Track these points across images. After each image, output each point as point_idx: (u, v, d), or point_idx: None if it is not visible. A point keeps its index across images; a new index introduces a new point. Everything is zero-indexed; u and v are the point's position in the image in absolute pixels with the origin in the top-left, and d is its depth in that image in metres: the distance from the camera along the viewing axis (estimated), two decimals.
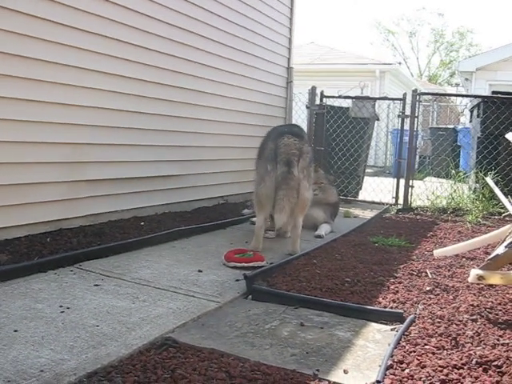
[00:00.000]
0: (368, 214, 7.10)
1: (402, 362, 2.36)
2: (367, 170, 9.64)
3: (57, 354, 2.33)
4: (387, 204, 7.85)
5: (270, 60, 7.98)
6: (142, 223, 5.13)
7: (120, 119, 5.12)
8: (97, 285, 3.35)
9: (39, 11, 4.15)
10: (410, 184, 7.71)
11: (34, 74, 4.19)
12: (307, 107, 8.44)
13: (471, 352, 2.44)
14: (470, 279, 3.21)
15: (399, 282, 3.64)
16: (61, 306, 2.92)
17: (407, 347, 2.53)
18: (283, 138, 4.50)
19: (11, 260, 3.64)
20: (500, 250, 3.13)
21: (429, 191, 7.76)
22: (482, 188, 7.12)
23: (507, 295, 3.41)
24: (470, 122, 9.33)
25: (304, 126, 8.65)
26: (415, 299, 3.28)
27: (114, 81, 4.98)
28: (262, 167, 4.57)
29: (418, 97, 7.70)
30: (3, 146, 4.01)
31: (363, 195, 8.67)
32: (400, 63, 25.18)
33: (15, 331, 2.55)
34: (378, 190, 8.40)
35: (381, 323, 2.92)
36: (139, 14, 5.18)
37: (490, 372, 2.27)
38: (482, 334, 2.69)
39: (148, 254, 4.23)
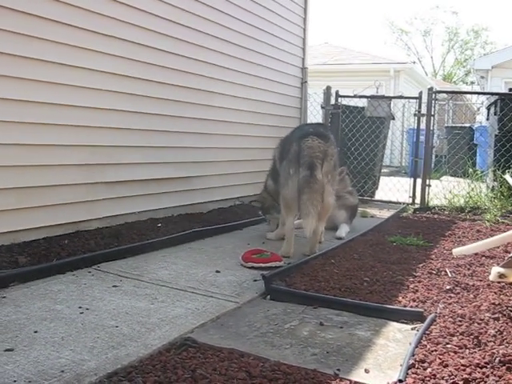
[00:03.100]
0: (385, 214, 7.06)
1: (423, 361, 2.33)
2: (383, 170, 9.59)
3: (77, 354, 2.33)
4: (404, 203, 7.80)
5: (285, 60, 7.97)
6: (159, 225, 5.14)
7: (138, 121, 5.14)
8: (115, 286, 3.36)
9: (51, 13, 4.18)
10: (427, 183, 7.66)
11: (54, 78, 4.22)
12: (322, 107, 8.41)
13: (494, 351, 2.41)
14: (490, 277, 3.19)
15: (419, 281, 3.60)
16: (80, 307, 2.93)
17: (428, 346, 2.50)
18: (307, 140, 4.38)
19: (30, 262, 3.66)
20: None
21: (446, 190, 7.70)
22: (500, 186, 7.05)
23: None
24: (487, 119, 9.24)
25: None
26: (435, 298, 3.24)
27: (131, 84, 5.00)
28: (285, 169, 4.49)
29: (433, 95, 7.64)
30: (22, 149, 4.04)
31: (380, 195, 8.62)
32: (414, 62, 25.07)
33: (35, 332, 2.56)
34: (394, 189, 8.35)
35: (401, 322, 2.89)
36: (153, 16, 5.20)
37: None
38: (505, 333, 2.65)
39: (165, 255, 4.23)
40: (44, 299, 3.05)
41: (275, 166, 5.03)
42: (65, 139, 4.38)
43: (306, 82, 8.62)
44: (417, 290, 3.39)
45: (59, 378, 2.10)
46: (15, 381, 2.07)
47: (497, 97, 7.97)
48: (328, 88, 8.31)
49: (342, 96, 8.41)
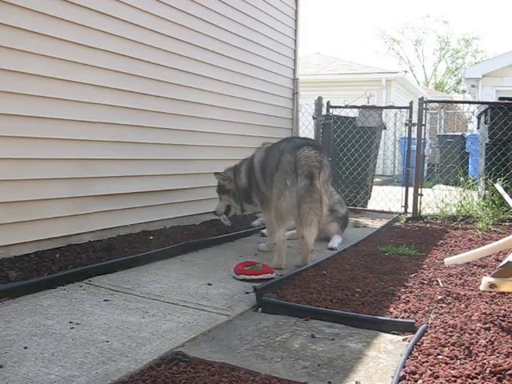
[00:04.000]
0: (377, 224, 7.07)
1: (414, 373, 2.33)
2: (376, 180, 9.62)
3: (67, 370, 2.32)
4: (396, 213, 7.80)
5: (276, 71, 8.00)
6: (151, 237, 5.13)
7: (128, 134, 5.14)
8: (106, 300, 3.35)
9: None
10: (419, 192, 7.67)
11: (41, 91, 4.22)
12: (314, 118, 8.45)
13: (485, 361, 2.41)
14: (481, 287, 3.18)
15: (410, 292, 3.61)
16: (70, 322, 2.92)
17: (420, 357, 2.50)
18: (303, 150, 4.39)
19: (21, 276, 3.64)
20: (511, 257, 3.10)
21: (438, 199, 7.72)
22: (492, 194, 7.07)
23: None
24: (478, 128, 9.30)
25: (311, 137, 8.66)
26: (427, 308, 3.25)
27: (120, 95, 5.00)
28: (280, 181, 4.42)
29: (424, 105, 7.69)
30: (11, 164, 4.03)
31: (372, 205, 8.64)
32: (406, 71, 25.24)
33: (25, 348, 2.55)
34: (386, 199, 8.37)
35: (392, 333, 2.90)
36: (147, 30, 5.22)
37: (504, 381, 2.23)
38: (496, 343, 2.65)
39: (157, 268, 4.22)
40: (34, 314, 3.03)
41: (255, 177, 5.04)
42: (53, 153, 4.37)
43: (297, 92, 8.65)
44: (408, 301, 3.39)
45: None
46: None
47: (487, 106, 8.02)
48: (319, 98, 8.34)
49: (333, 106, 8.45)
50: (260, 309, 3.30)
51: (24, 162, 4.14)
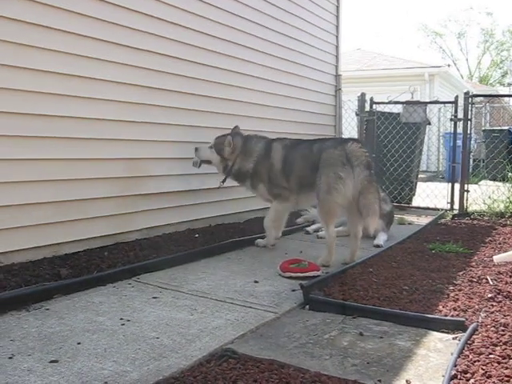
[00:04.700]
0: (423, 221, 6.98)
1: (466, 372, 2.30)
2: (420, 176, 9.48)
3: (119, 365, 2.38)
4: (442, 209, 7.69)
5: (318, 68, 7.97)
6: (197, 235, 5.18)
7: (174, 133, 5.21)
8: (155, 297, 3.40)
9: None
10: (466, 188, 7.55)
11: (89, 93, 4.31)
12: (357, 114, 8.38)
13: None
14: None
15: (459, 290, 3.55)
16: (121, 319, 2.98)
17: (471, 356, 2.47)
18: (352, 143, 4.39)
19: (71, 274, 3.73)
20: None
21: (485, 195, 7.57)
22: None
23: None
24: None
25: (354, 134, 8.61)
26: (477, 307, 3.19)
27: (168, 96, 5.07)
28: (330, 175, 4.29)
29: (470, 99, 7.55)
30: (61, 164, 4.13)
31: (417, 201, 8.53)
32: (449, 65, 24.77)
33: (78, 344, 2.62)
34: (432, 195, 8.25)
35: (442, 332, 2.86)
36: (188, 30, 5.27)
37: None
38: None
39: (204, 266, 4.27)
40: (86, 311, 3.10)
41: (273, 173, 4.89)
42: (101, 153, 4.47)
43: (340, 89, 8.60)
44: (457, 299, 3.34)
45: None
46: None
47: None
48: (362, 95, 8.28)
49: (377, 102, 8.38)
50: (307, 306, 3.30)
51: (73, 162, 4.23)
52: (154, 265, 4.10)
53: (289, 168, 4.79)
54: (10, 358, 2.43)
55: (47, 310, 3.11)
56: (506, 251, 4.57)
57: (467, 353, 2.52)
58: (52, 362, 2.40)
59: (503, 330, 2.76)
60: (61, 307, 3.16)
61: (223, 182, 5.13)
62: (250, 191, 5.18)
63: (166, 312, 3.12)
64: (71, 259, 4.06)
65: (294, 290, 3.61)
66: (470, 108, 7.52)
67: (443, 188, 8.07)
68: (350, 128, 9.68)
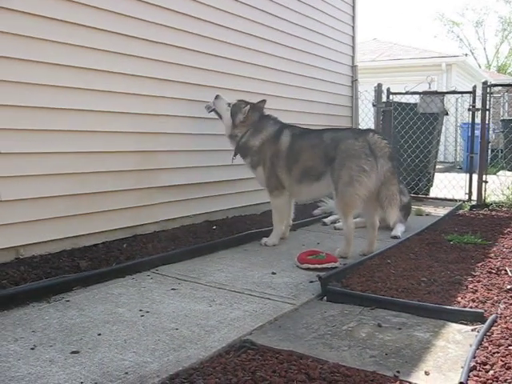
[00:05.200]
0: (440, 212, 6.94)
1: (485, 364, 2.30)
2: (437, 166, 9.42)
3: (140, 356, 2.40)
4: (460, 200, 7.64)
5: (334, 59, 7.93)
6: (214, 227, 5.20)
7: (190, 125, 5.22)
8: (174, 289, 3.43)
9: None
10: (484, 179, 7.48)
11: (108, 87, 4.33)
12: (374, 105, 8.33)
13: None
14: None
15: (478, 281, 3.54)
16: (140, 310, 3.01)
17: (490, 348, 2.47)
18: (373, 135, 4.37)
19: (91, 266, 3.77)
20: None
21: (503, 186, 7.51)
22: None
23: None
24: None
25: (371, 124, 8.56)
26: (496, 298, 3.18)
27: (182, 88, 5.08)
28: (352, 167, 4.24)
29: (488, 89, 7.47)
30: (78, 157, 4.16)
31: (434, 192, 8.48)
32: (466, 55, 24.46)
33: (99, 335, 2.65)
34: (449, 186, 8.20)
35: (460, 323, 2.85)
36: (206, 22, 5.27)
37: None
38: None
39: (221, 258, 4.29)
40: (106, 303, 3.14)
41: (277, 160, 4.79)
42: (118, 146, 4.48)
43: (356, 79, 8.56)
44: (476, 290, 3.33)
45: (123, 380, 2.17)
46: (82, 382, 2.15)
47: None
48: (379, 85, 8.21)
49: (393, 93, 8.31)
50: (325, 298, 3.31)
51: (90, 155, 4.25)
52: (172, 257, 4.13)
53: (295, 155, 4.68)
54: (32, 348, 2.47)
55: (67, 301, 3.15)
56: None
57: (486, 344, 2.51)
58: (73, 352, 2.43)
59: None
60: (81, 299, 3.20)
61: (234, 156, 5.02)
62: (249, 170, 5.06)
63: (185, 303, 3.15)
64: (90, 251, 4.10)
65: (311, 282, 3.62)
66: (488, 98, 7.44)
67: (461, 179, 8.02)
68: (366, 119, 9.63)
